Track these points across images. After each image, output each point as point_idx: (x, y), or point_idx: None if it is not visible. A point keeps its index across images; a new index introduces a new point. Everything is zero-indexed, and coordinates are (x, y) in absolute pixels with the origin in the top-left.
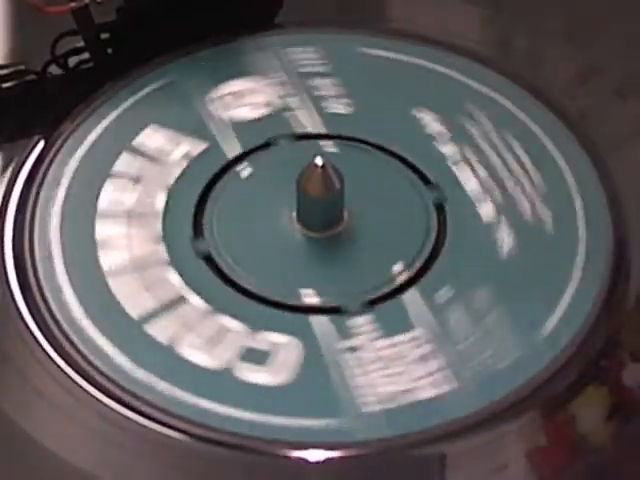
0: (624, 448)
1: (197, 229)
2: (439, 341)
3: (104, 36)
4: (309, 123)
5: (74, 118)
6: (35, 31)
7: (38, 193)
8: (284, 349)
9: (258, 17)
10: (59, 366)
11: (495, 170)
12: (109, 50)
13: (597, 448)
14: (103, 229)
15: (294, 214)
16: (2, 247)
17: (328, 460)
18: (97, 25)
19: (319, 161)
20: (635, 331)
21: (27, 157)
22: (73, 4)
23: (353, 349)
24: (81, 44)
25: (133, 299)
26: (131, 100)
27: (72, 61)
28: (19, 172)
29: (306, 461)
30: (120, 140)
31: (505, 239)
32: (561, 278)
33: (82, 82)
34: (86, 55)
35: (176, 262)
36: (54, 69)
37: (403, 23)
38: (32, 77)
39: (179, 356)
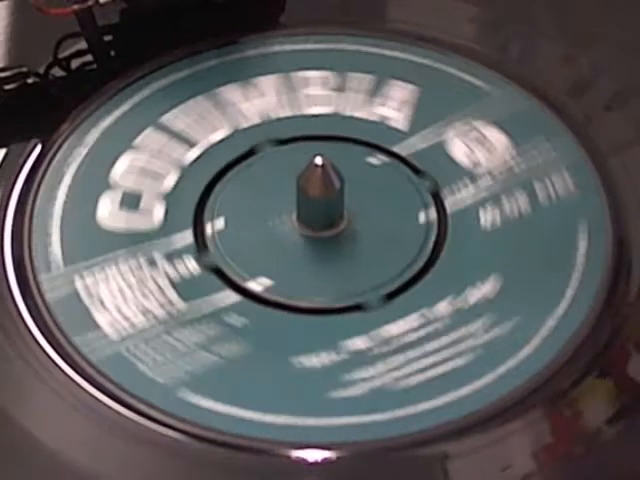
0: (631, 442)
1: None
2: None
3: (107, 38)
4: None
5: (74, 119)
6: (38, 33)
7: (38, 193)
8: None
9: (259, 18)
10: (58, 365)
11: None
12: (112, 52)
13: (604, 442)
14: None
15: (294, 214)
16: (2, 247)
17: (328, 460)
18: (100, 27)
19: (319, 161)
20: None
21: (27, 157)
22: (76, 6)
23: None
24: (84, 46)
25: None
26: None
27: (74, 63)
28: (19, 172)
29: (306, 461)
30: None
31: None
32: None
33: (84, 84)
34: (89, 57)
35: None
36: (57, 71)
37: (402, 23)
38: (35, 79)
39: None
